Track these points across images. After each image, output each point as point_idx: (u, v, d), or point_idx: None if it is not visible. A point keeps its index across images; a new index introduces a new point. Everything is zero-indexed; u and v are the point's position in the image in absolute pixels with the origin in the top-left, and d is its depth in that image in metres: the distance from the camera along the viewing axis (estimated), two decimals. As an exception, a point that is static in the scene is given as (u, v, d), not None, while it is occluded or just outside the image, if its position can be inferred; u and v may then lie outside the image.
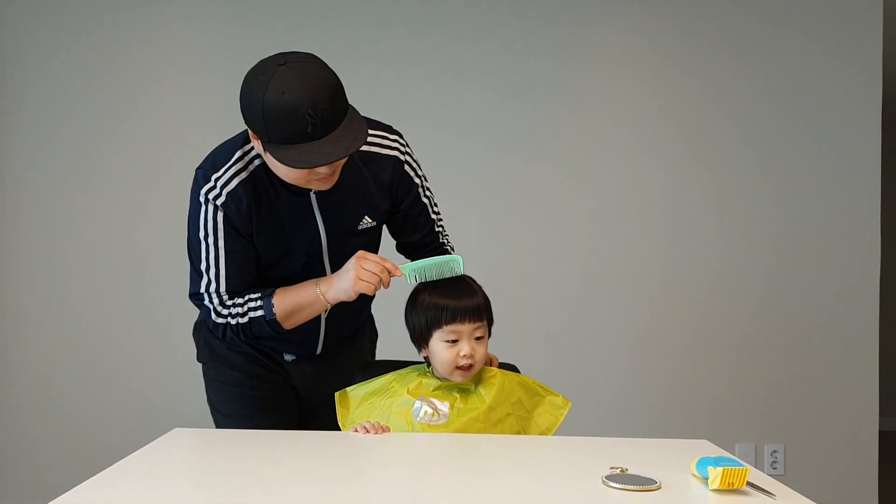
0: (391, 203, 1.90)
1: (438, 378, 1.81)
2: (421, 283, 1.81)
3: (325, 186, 1.71)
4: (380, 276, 1.72)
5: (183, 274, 3.42)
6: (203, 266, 1.77)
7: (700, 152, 3.47)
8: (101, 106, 3.41)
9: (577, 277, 3.43)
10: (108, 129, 3.41)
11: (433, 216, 2.00)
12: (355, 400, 1.84)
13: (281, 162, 1.59)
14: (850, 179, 3.46)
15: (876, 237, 3.45)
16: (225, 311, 1.78)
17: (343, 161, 1.67)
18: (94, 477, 1.27)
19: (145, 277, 3.39)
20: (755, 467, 1.39)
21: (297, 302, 1.77)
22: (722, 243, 3.45)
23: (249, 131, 1.67)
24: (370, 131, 1.73)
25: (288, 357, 1.99)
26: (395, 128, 1.90)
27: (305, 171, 1.62)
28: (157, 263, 3.38)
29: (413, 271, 1.78)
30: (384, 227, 1.99)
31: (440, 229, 2.04)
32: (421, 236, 2.00)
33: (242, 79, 1.62)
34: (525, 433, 1.79)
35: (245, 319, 1.77)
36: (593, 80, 3.45)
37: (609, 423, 3.38)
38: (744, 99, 3.46)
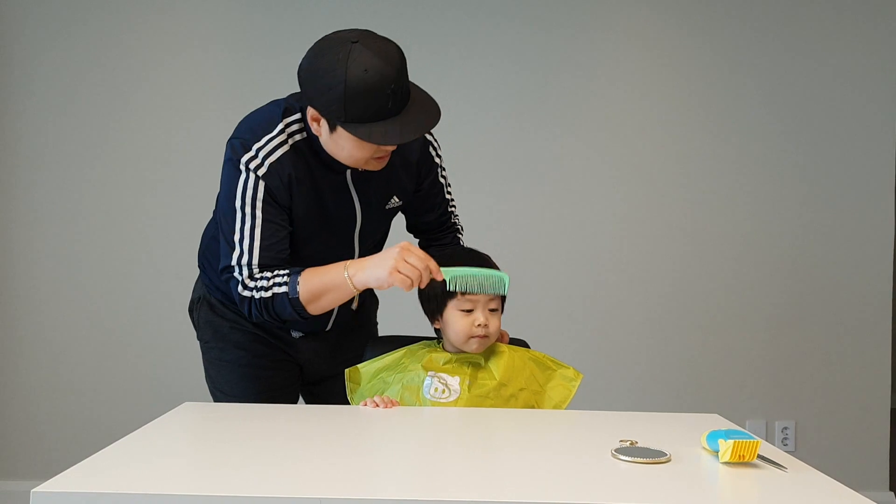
0: (416, 183, 1.90)
1: (450, 352, 1.81)
2: (437, 256, 1.76)
3: (380, 166, 1.70)
4: (421, 273, 1.62)
5: (191, 254, 3.45)
6: (237, 237, 1.71)
7: (722, 138, 3.44)
8: (106, 94, 3.39)
9: (590, 254, 3.42)
10: (112, 116, 3.40)
11: (447, 196, 2.01)
12: (366, 376, 1.84)
13: (366, 139, 1.57)
14: (865, 163, 3.43)
15: (890, 215, 3.43)
16: (252, 285, 1.70)
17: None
18: (104, 449, 1.27)
19: (155, 255, 3.39)
20: (766, 442, 1.39)
21: (324, 283, 1.68)
22: (736, 222, 3.43)
23: (313, 111, 1.64)
24: None
25: (295, 334, 1.96)
26: None
27: (372, 149, 1.62)
28: (167, 242, 3.39)
29: (455, 277, 1.68)
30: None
31: (452, 209, 2.05)
32: (436, 216, 2.01)
33: (304, 62, 1.62)
34: (538, 408, 1.79)
35: (269, 294, 1.69)
36: (619, 65, 3.41)
37: (620, 399, 3.38)
38: (766, 92, 3.42)
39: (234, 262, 1.71)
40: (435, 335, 1.91)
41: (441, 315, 1.80)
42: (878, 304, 3.43)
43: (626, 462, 1.26)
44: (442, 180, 1.97)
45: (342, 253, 1.82)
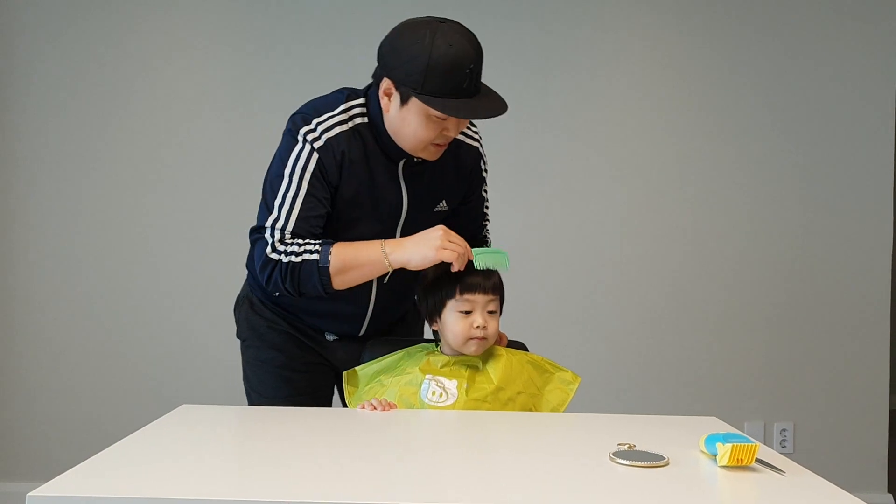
0: (465, 192, 1.93)
1: (447, 355, 1.81)
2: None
3: (435, 156, 1.75)
4: (465, 250, 1.70)
5: (192, 256, 3.45)
6: (277, 202, 1.73)
7: (722, 141, 3.43)
8: (105, 94, 3.39)
9: (588, 256, 3.41)
10: (111, 118, 3.40)
11: (485, 211, 2.06)
12: (364, 378, 1.84)
13: (439, 109, 1.62)
14: (864, 165, 3.43)
15: (888, 216, 3.43)
16: (281, 248, 1.71)
17: (461, 129, 1.74)
18: (100, 452, 1.27)
19: (154, 256, 3.39)
20: (764, 445, 1.39)
21: (357, 257, 1.70)
22: (735, 224, 3.43)
23: (387, 84, 1.68)
24: None
25: (330, 336, 1.97)
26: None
27: (436, 131, 1.68)
28: (166, 243, 3.39)
29: (481, 255, 1.74)
30: None
31: (486, 223, 2.09)
32: (471, 229, 2.00)
33: (387, 38, 1.71)
34: (536, 411, 1.78)
35: (298, 259, 1.69)
36: (619, 67, 3.41)
37: (618, 401, 3.37)
38: (765, 93, 3.42)
39: (267, 224, 1.73)
40: (433, 337, 1.91)
41: (439, 316, 1.80)
42: (877, 306, 3.43)
43: (624, 466, 1.25)
44: (484, 194, 2.02)
45: (383, 235, 1.82)
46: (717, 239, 3.43)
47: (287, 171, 1.73)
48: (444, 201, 1.89)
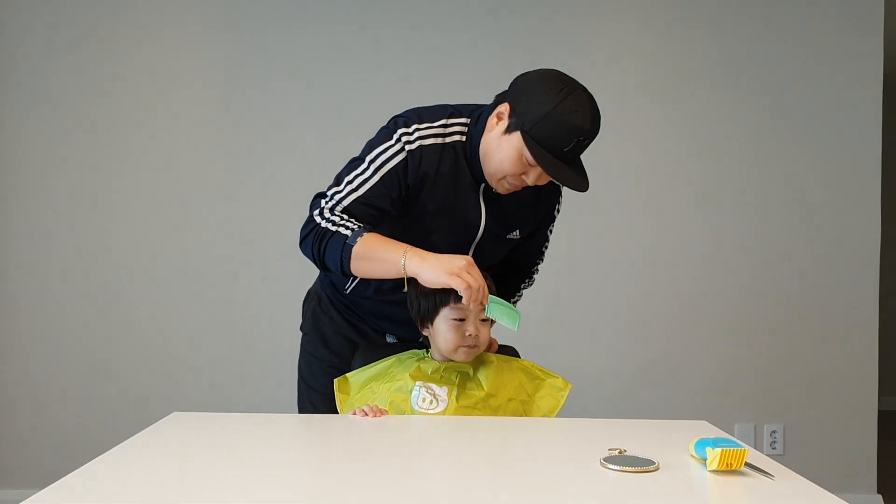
0: (536, 227, 1.97)
1: (438, 361, 1.81)
2: None
3: (504, 191, 1.79)
4: (479, 288, 1.67)
5: (181, 263, 3.44)
6: (347, 178, 1.79)
7: (711, 144, 3.45)
8: (91, 94, 3.39)
9: (576, 258, 3.42)
10: (97, 120, 3.40)
11: (543, 249, 2.09)
12: (355, 385, 1.84)
13: (533, 154, 1.66)
14: (851, 162, 3.45)
15: (876, 218, 3.45)
16: (327, 215, 1.77)
17: (538, 182, 1.76)
18: (92, 461, 1.27)
19: (145, 262, 3.39)
20: (754, 447, 1.40)
21: (379, 251, 1.72)
22: (723, 225, 3.45)
23: (505, 107, 1.73)
24: None
25: (390, 339, 2.04)
26: None
27: (511, 171, 1.71)
28: (157, 249, 3.38)
29: (493, 305, 1.72)
30: None
31: (539, 261, 2.11)
32: (531, 261, 2.08)
33: (531, 73, 1.75)
34: (528, 417, 1.79)
35: (333, 229, 1.74)
36: (595, 68, 3.43)
37: (608, 405, 3.38)
38: (747, 89, 3.44)
39: (328, 193, 1.81)
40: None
41: (431, 323, 1.80)
42: (865, 308, 3.45)
43: (615, 471, 1.26)
44: (549, 234, 2.06)
45: (454, 250, 1.84)
46: (707, 243, 3.45)
47: (370, 157, 1.78)
48: (517, 230, 1.93)
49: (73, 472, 1.20)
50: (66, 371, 3.37)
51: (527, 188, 1.81)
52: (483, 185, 1.83)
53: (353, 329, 2.03)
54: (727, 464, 1.25)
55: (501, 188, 1.79)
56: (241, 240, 3.41)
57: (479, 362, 1.82)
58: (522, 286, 2.12)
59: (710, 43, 3.44)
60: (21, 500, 1.07)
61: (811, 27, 3.44)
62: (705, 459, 1.28)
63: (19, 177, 3.38)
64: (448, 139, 1.80)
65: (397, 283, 1.76)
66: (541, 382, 1.85)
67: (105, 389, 3.37)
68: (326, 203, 1.79)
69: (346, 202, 1.78)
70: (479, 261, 1.81)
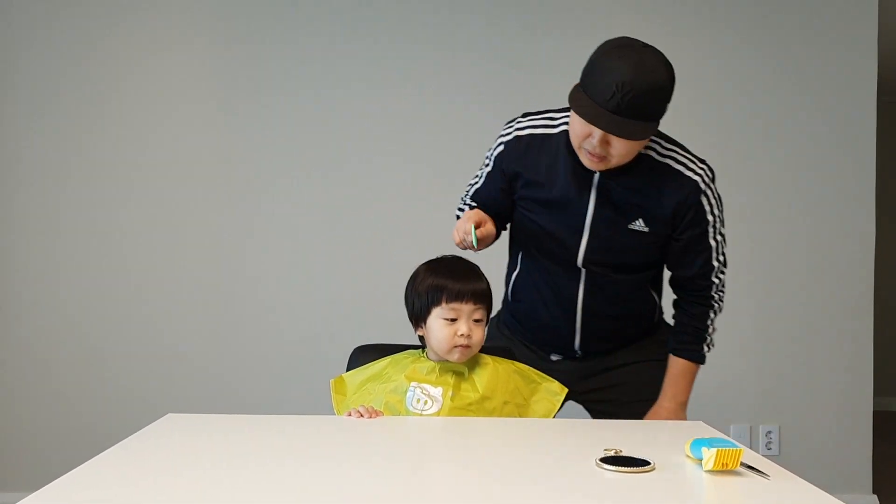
0: (672, 224, 1.90)
1: (433, 360, 1.81)
2: (424, 263, 1.85)
3: (591, 164, 1.79)
4: (460, 229, 1.87)
5: (177, 265, 3.43)
6: (476, 173, 2.10)
7: (704, 145, 3.41)
8: (86, 97, 3.39)
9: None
10: (91, 122, 3.39)
11: (714, 263, 1.99)
12: (352, 386, 1.84)
13: (570, 102, 1.73)
14: (848, 169, 3.46)
15: (871, 219, 3.45)
16: (460, 203, 2.13)
17: (622, 153, 1.75)
18: (86, 463, 1.26)
19: (139, 264, 3.38)
20: (750, 448, 1.40)
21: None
22: (716, 225, 3.44)
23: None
24: (682, 152, 1.89)
25: (554, 357, 2.11)
26: (707, 162, 1.93)
27: (577, 135, 1.75)
28: (151, 251, 3.38)
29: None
30: (663, 252, 1.99)
31: (716, 281, 2.02)
32: (692, 276, 1.99)
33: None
34: None
35: (457, 213, 2.10)
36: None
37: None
38: (741, 89, 3.45)
39: (469, 184, 2.12)
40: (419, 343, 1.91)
41: (425, 322, 1.80)
42: (860, 309, 3.46)
43: (611, 471, 1.26)
44: (712, 243, 1.96)
45: (569, 239, 1.93)
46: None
47: (487, 153, 2.03)
48: (640, 220, 1.89)
49: (67, 474, 1.20)
50: (60, 373, 3.36)
51: (648, 176, 1.84)
52: (597, 172, 1.86)
53: (526, 346, 2.12)
54: (723, 464, 1.25)
55: (586, 162, 1.80)
56: (238, 242, 3.40)
57: (474, 364, 1.82)
58: (712, 314, 2.04)
59: (707, 44, 3.44)
60: (15, 503, 1.06)
61: (806, 28, 3.45)
62: (701, 459, 1.28)
63: (16, 178, 3.37)
64: (555, 129, 1.90)
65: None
66: (536, 386, 1.84)
67: (99, 391, 3.36)
68: (464, 192, 2.12)
69: (472, 192, 2.09)
70: (600, 248, 1.90)
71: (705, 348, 2.03)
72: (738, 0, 3.45)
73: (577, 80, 1.78)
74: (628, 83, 1.64)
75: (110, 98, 3.39)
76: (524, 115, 1.98)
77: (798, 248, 3.45)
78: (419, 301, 1.80)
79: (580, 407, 2.23)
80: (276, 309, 3.41)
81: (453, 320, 1.76)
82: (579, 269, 1.96)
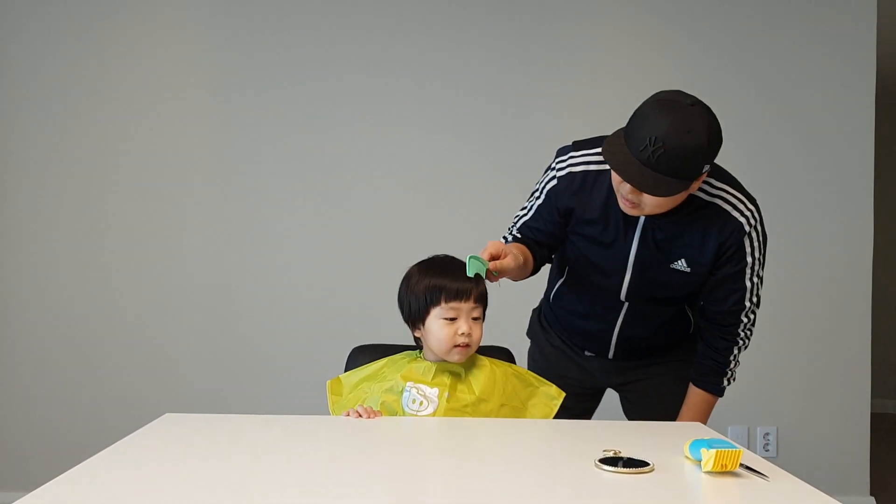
0: (713, 262, 1.89)
1: (430, 361, 1.80)
2: (416, 264, 1.83)
3: (625, 208, 1.80)
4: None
5: (172, 264, 3.43)
6: (523, 205, 2.05)
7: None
8: (84, 93, 3.39)
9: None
10: (88, 121, 3.39)
11: (747, 303, 1.95)
12: (348, 387, 1.83)
13: (604, 147, 1.73)
14: (845, 171, 3.46)
15: (869, 221, 3.46)
16: (506, 234, 2.05)
17: (654, 205, 1.75)
18: (83, 462, 1.26)
19: (134, 264, 3.38)
20: (747, 449, 1.39)
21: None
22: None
23: None
24: (732, 191, 1.87)
25: (588, 353, 2.18)
26: (757, 202, 1.93)
27: (616, 176, 1.75)
28: (145, 250, 3.38)
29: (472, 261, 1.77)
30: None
31: (746, 320, 1.98)
32: (721, 311, 1.96)
33: None
34: None
35: (501, 241, 1.96)
36: (585, 72, 3.43)
37: (603, 405, 3.37)
38: (736, 90, 3.45)
39: (515, 216, 2.07)
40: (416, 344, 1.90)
41: (423, 324, 1.78)
42: (858, 311, 3.46)
43: (610, 472, 1.26)
44: (748, 283, 1.93)
45: (613, 275, 1.96)
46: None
47: (537, 185, 2.01)
48: (682, 260, 1.89)
49: (63, 474, 1.19)
50: (57, 373, 3.36)
51: (693, 217, 1.84)
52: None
53: (562, 341, 2.21)
54: (722, 465, 1.24)
55: (620, 204, 1.80)
56: (235, 242, 3.40)
57: (471, 365, 1.81)
58: (736, 350, 2.04)
59: (705, 45, 3.45)
60: (12, 502, 1.06)
61: (805, 30, 3.45)
62: (700, 461, 1.28)
63: (8, 178, 3.36)
64: (605, 165, 1.86)
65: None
66: (534, 390, 1.83)
67: (97, 391, 3.36)
68: (511, 223, 2.06)
69: (519, 224, 2.03)
70: (643, 285, 1.93)
71: (725, 382, 2.06)
72: (736, 2, 3.45)
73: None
74: (661, 139, 1.63)
75: (106, 97, 3.39)
76: (576, 147, 1.94)
77: (796, 250, 3.45)
78: (416, 302, 1.78)
79: (579, 408, 2.25)
80: (274, 309, 3.40)
81: (453, 319, 1.75)
82: (622, 301, 2.00)
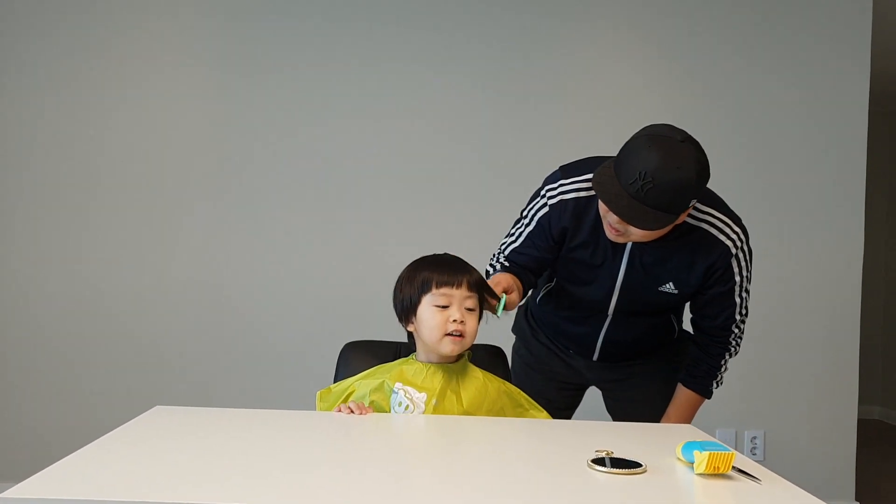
0: (701, 283, 1.94)
1: (422, 362, 1.78)
2: (410, 263, 1.82)
3: (613, 237, 1.84)
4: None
5: (164, 259, 3.42)
6: (513, 231, 2.06)
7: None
8: (84, 87, 3.37)
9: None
10: (85, 115, 3.37)
11: (737, 316, 2.02)
12: (337, 391, 1.80)
13: (594, 178, 1.76)
14: (836, 178, 3.48)
15: (860, 226, 3.47)
16: (494, 260, 2.07)
17: (640, 235, 1.79)
18: (72, 454, 1.25)
19: (128, 258, 3.36)
20: (740, 454, 1.40)
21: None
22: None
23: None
24: (718, 214, 1.90)
25: (572, 352, 2.22)
26: (742, 222, 1.96)
27: (603, 206, 1.79)
28: (139, 244, 3.36)
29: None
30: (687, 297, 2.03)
31: (736, 330, 2.05)
32: (712, 325, 2.03)
33: None
34: None
35: (489, 269, 2.05)
36: (584, 74, 3.43)
37: (594, 408, 3.37)
38: (733, 92, 3.46)
39: (501, 243, 2.09)
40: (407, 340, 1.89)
41: (415, 314, 1.75)
42: (846, 316, 3.48)
43: (602, 473, 1.26)
44: (737, 300, 1.98)
45: (600, 293, 2.00)
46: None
47: (524, 212, 2.03)
48: (670, 283, 1.94)
49: (53, 464, 1.18)
50: (47, 365, 3.34)
51: (681, 241, 1.86)
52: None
53: (549, 340, 2.24)
54: (714, 467, 1.25)
55: (606, 231, 1.84)
56: (229, 239, 3.39)
57: (463, 374, 1.77)
58: (727, 355, 2.09)
59: (702, 47, 3.45)
60: (1, 493, 1.05)
61: (799, 35, 3.46)
62: (692, 462, 1.28)
63: (1, 173, 3.34)
64: (593, 192, 1.87)
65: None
66: (524, 411, 1.80)
67: (87, 383, 3.34)
68: (498, 251, 2.08)
69: (507, 251, 2.04)
70: (630, 303, 1.98)
71: (714, 385, 2.11)
72: (731, 6, 3.46)
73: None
74: (651, 173, 1.66)
75: (102, 92, 3.37)
76: (564, 173, 1.96)
77: (786, 255, 3.47)
78: (408, 290, 1.75)
79: (579, 409, 2.28)
80: (266, 305, 3.39)
81: (445, 307, 1.72)
82: (608, 314, 2.05)
